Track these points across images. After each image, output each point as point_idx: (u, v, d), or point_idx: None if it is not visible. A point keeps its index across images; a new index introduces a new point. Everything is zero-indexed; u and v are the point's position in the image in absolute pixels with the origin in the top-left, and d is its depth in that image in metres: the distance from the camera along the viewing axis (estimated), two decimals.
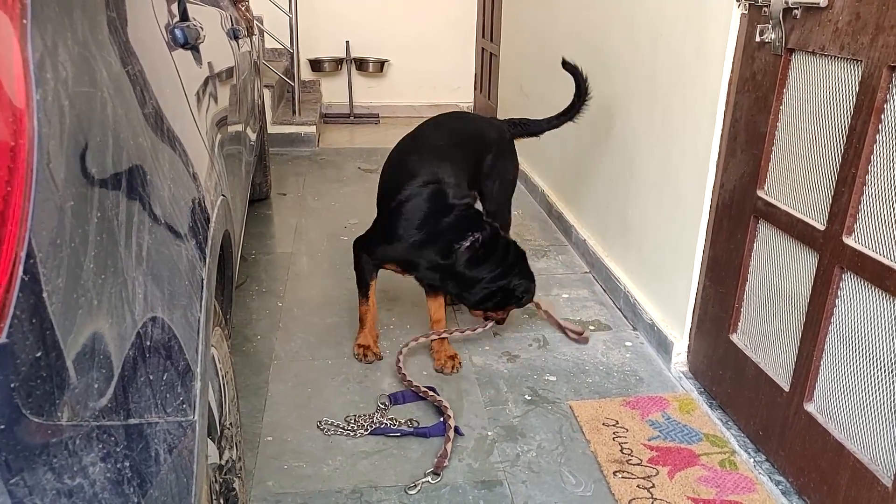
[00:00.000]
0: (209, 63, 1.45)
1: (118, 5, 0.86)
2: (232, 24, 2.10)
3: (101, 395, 0.64)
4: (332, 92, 6.18)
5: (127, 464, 0.67)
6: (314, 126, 4.93)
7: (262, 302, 2.64)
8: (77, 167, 0.64)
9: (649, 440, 1.88)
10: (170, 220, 0.84)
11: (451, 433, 1.86)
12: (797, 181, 1.66)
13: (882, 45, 1.38)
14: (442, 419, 1.92)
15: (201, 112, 1.14)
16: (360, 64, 6.06)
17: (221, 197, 1.18)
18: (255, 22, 3.06)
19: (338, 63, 6.01)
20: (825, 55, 1.55)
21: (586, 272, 2.99)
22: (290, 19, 4.74)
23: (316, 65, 5.96)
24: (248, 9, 2.88)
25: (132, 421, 0.69)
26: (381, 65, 6.08)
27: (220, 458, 1.28)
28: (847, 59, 1.49)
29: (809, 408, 1.62)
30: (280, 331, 2.44)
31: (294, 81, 4.94)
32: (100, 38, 0.77)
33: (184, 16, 1.22)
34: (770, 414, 1.75)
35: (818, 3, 1.52)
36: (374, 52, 6.10)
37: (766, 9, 1.71)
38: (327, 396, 2.07)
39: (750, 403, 1.84)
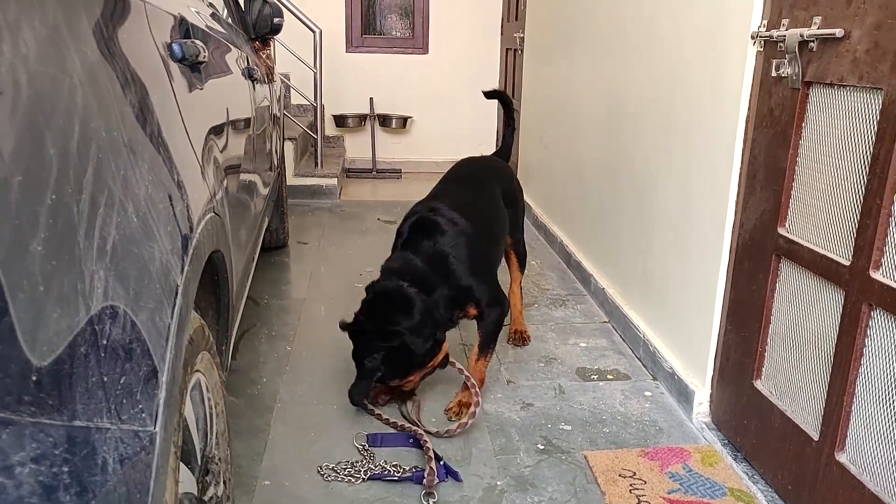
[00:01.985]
0: (215, 88, 1.44)
1: (105, 6, 0.85)
2: (248, 64, 2.12)
3: (40, 388, 0.59)
4: (356, 147, 6.26)
5: (65, 469, 0.61)
6: (336, 178, 4.97)
7: (270, 346, 2.58)
8: (29, 142, 0.61)
9: (669, 493, 1.76)
10: (143, 220, 0.80)
11: (431, 454, 1.83)
12: (819, 216, 1.59)
13: None
14: (442, 463, 1.84)
15: (194, 125, 1.12)
16: (384, 120, 6.14)
17: (212, 214, 1.14)
18: (275, 71, 3.10)
19: (362, 119, 6.10)
20: (844, 86, 1.50)
21: (605, 321, 2.90)
22: (315, 75, 4.83)
23: (340, 120, 6.06)
24: (268, 56, 2.93)
25: (77, 423, 0.63)
26: (404, 121, 6.16)
27: (203, 492, 1.21)
28: (867, 89, 1.44)
29: (841, 458, 1.50)
30: (287, 374, 2.37)
31: (317, 134, 5.00)
32: (77, 27, 0.75)
33: (185, 35, 1.22)
34: (799, 466, 1.63)
35: (834, 34, 1.48)
36: (398, 108, 6.19)
37: (781, 44, 1.68)
38: (330, 441, 1.98)
39: (777, 454, 1.72)
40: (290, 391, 2.26)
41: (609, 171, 3.00)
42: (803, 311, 1.65)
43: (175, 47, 1.08)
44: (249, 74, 2.07)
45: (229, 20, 2.64)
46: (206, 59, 1.26)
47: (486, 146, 6.37)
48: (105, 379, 0.68)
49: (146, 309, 0.77)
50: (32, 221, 0.60)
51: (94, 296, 0.68)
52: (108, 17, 0.86)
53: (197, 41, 1.22)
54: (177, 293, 0.86)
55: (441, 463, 1.85)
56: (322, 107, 5.08)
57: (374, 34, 6.19)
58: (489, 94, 2.90)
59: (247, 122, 1.96)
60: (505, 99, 2.94)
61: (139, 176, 0.82)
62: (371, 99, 6.09)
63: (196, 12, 1.53)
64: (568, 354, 2.58)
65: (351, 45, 6.10)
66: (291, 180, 4.84)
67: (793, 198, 1.69)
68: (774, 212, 1.74)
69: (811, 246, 1.60)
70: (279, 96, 3.39)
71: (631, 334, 2.63)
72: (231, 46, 1.93)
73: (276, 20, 2.70)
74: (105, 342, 0.69)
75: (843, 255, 1.50)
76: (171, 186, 0.91)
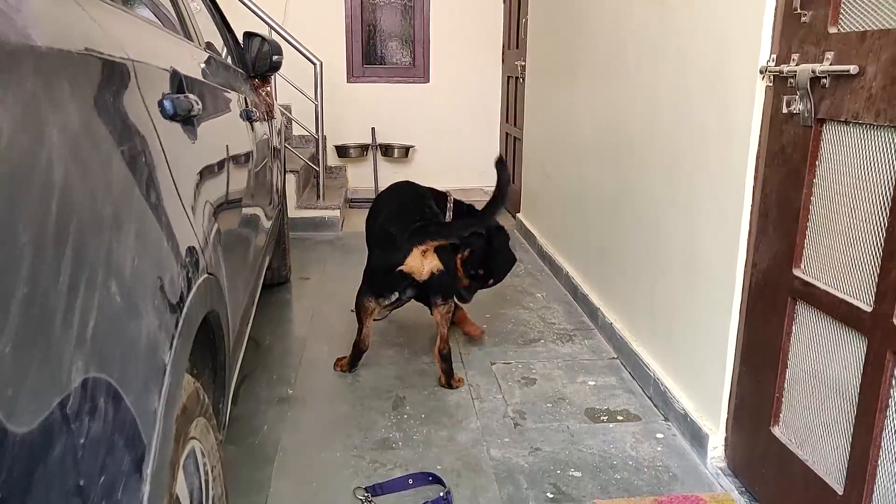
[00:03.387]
0: (210, 140, 1.40)
1: (90, 70, 0.81)
2: (246, 106, 2.09)
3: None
4: (358, 177, 6.23)
5: None
6: (338, 210, 4.93)
7: (271, 391, 2.52)
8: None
9: None
10: (128, 297, 0.75)
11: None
12: (837, 258, 1.53)
13: None
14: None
15: (187, 183, 1.08)
16: (386, 150, 6.13)
17: (206, 276, 1.09)
18: (276, 107, 3.08)
19: (363, 149, 6.09)
20: (860, 124, 1.46)
21: (614, 358, 2.83)
22: (316, 107, 4.82)
23: (342, 151, 6.05)
24: (268, 94, 2.91)
25: None
26: (406, 150, 6.14)
27: None
28: (885, 127, 1.39)
29: None
30: (288, 421, 2.31)
31: (319, 167, 4.97)
32: (58, 95, 0.71)
33: (179, 89, 1.18)
34: None
35: (848, 71, 1.44)
36: (400, 138, 6.18)
37: (791, 80, 1.64)
38: (333, 495, 1.91)
39: None
40: (291, 439, 2.19)
41: (612, 203, 2.95)
42: (822, 356, 1.59)
43: (167, 104, 1.04)
44: (247, 116, 2.03)
45: (228, 60, 2.61)
46: (199, 112, 1.22)
47: (489, 175, 6.31)
48: (82, 482, 0.62)
49: (130, 395, 0.72)
50: (1, 318, 0.55)
51: (72, 391, 0.62)
52: (94, 82, 0.82)
53: (190, 95, 1.18)
54: (165, 372, 0.80)
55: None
56: (324, 138, 5.06)
57: (376, 64, 6.19)
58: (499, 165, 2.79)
59: (245, 165, 1.92)
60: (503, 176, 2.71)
61: (125, 250, 0.77)
62: (373, 129, 6.08)
63: (192, 59, 1.49)
64: (576, 394, 2.51)
65: (352, 75, 6.10)
66: (293, 213, 4.80)
67: (808, 238, 1.64)
68: (789, 252, 1.68)
69: (829, 289, 1.54)
70: (280, 130, 3.36)
71: (640, 372, 2.57)
72: (228, 90, 1.89)
73: (275, 58, 2.67)
74: (82, 440, 0.63)
75: (864, 301, 1.44)
76: (160, 257, 0.86)
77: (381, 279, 2.47)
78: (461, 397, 2.48)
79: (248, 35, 2.71)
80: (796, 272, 1.66)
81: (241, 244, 1.79)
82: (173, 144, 1.05)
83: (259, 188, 2.32)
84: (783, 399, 1.75)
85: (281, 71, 5.01)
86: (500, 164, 2.71)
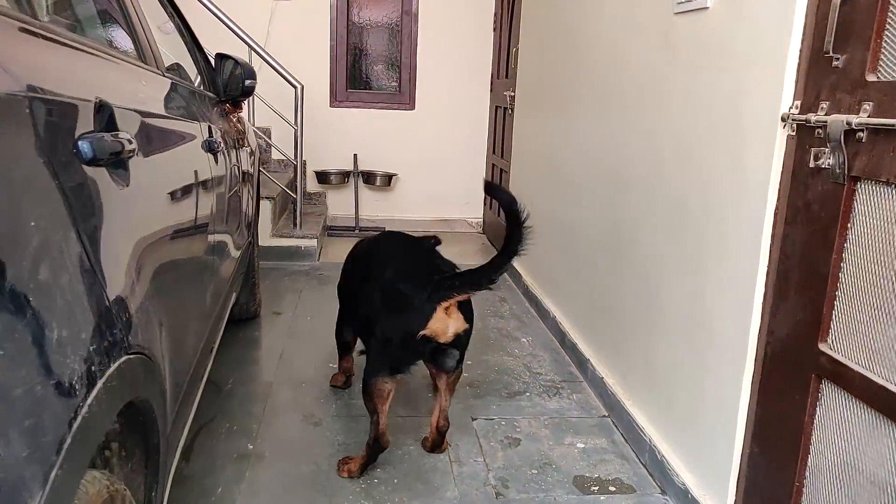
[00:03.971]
0: (153, 181, 1.18)
1: None
2: (210, 136, 1.88)
3: None
4: (339, 204, 6.02)
5: None
6: (315, 239, 4.71)
7: (229, 445, 2.28)
8: None
9: None
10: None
11: None
12: (875, 337, 1.35)
13: None
14: None
15: (112, 238, 0.86)
16: (368, 177, 5.93)
17: (128, 357, 0.87)
18: (250, 133, 2.87)
19: (345, 176, 5.88)
20: None
21: (605, 416, 2.62)
22: (295, 132, 4.61)
23: (322, 177, 5.84)
24: (239, 120, 2.70)
25: None
26: (388, 178, 5.95)
27: None
28: None
29: None
30: (245, 482, 2.06)
31: (296, 194, 4.76)
32: None
33: (109, 123, 0.97)
34: None
35: (892, 125, 1.26)
36: (383, 165, 5.99)
37: (819, 130, 1.46)
38: None
39: None
40: None
41: (606, 249, 2.76)
42: (855, 447, 1.39)
43: (83, 147, 0.83)
44: (209, 147, 1.82)
45: (198, 83, 2.41)
46: (133, 152, 1.00)
47: (474, 206, 6.16)
48: None
49: None
50: None
51: None
52: None
53: (122, 133, 0.96)
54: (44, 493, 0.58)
55: None
56: (303, 164, 4.85)
57: (360, 88, 6.02)
58: (488, 190, 2.53)
59: (204, 201, 1.71)
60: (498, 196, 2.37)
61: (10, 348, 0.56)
62: (355, 155, 5.88)
63: (142, 87, 1.28)
64: (564, 458, 2.30)
65: (335, 100, 5.91)
66: (268, 241, 4.57)
67: (836, 309, 1.45)
68: (814, 323, 1.49)
69: (864, 372, 1.35)
70: (253, 156, 3.14)
71: (634, 435, 2.36)
72: (189, 119, 1.68)
73: (247, 82, 2.47)
74: None
75: None
76: (56, 348, 0.65)
77: (400, 350, 1.99)
78: (438, 460, 2.25)
79: (221, 57, 2.51)
80: (822, 347, 1.47)
81: (194, 293, 1.56)
82: (89, 193, 0.83)
83: (223, 222, 2.10)
84: (804, 490, 1.55)
85: (261, 94, 4.85)
86: (498, 191, 2.26)
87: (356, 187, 5.89)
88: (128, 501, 0.97)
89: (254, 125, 4.81)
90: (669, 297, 2.17)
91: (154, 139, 1.22)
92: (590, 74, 3.02)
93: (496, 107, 5.65)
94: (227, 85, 2.50)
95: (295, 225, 4.82)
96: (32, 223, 0.65)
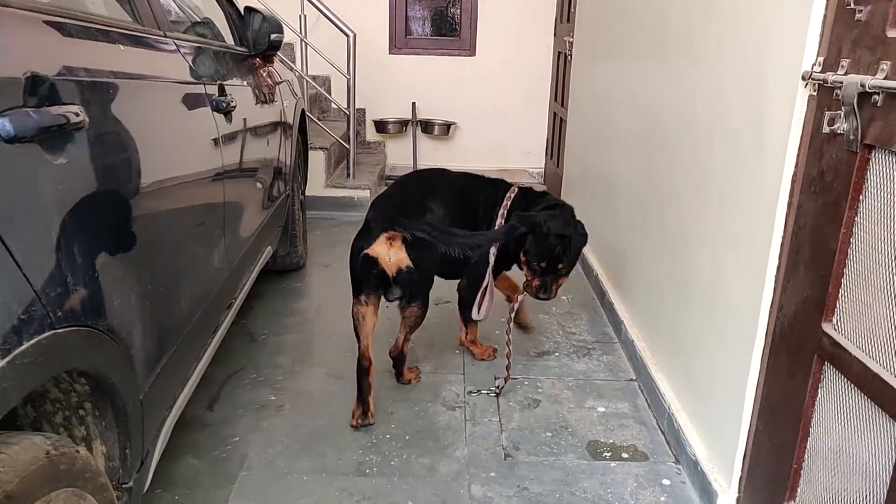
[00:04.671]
0: (112, 144, 1.19)
1: None
2: (219, 95, 1.89)
3: None
4: (398, 153, 6.02)
5: None
6: (368, 190, 4.74)
7: (253, 394, 2.36)
8: None
9: None
10: None
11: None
12: (877, 320, 1.24)
13: None
14: None
15: (48, 223, 0.88)
16: (426, 126, 5.89)
17: (53, 332, 0.90)
18: (281, 86, 2.87)
19: (403, 125, 5.86)
20: None
21: (632, 379, 2.57)
22: (348, 81, 4.61)
23: (381, 126, 5.84)
24: (269, 74, 2.70)
25: None
26: (447, 127, 5.89)
27: None
28: None
29: None
30: (261, 432, 2.15)
31: (349, 144, 4.78)
32: None
33: (52, 96, 0.98)
34: None
35: None
36: (442, 113, 5.92)
37: (837, 91, 1.33)
38: None
39: None
40: (259, 454, 2.03)
41: (641, 204, 2.65)
42: (850, 433, 1.31)
43: (3, 123, 0.84)
44: (217, 106, 1.83)
45: (230, 39, 2.43)
46: (82, 123, 1.02)
47: (535, 156, 6.03)
48: None
49: None
50: None
51: None
52: None
53: (67, 107, 0.97)
54: None
55: None
56: (356, 114, 4.85)
57: (419, 35, 5.92)
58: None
59: (206, 164, 1.73)
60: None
61: None
62: (413, 104, 5.84)
63: (108, 52, 1.29)
64: (581, 422, 2.27)
65: (394, 47, 5.85)
66: (322, 192, 4.64)
67: (843, 288, 1.34)
68: (819, 302, 1.39)
69: (862, 357, 1.26)
70: (296, 108, 3.15)
71: (656, 401, 2.30)
72: (184, 80, 1.69)
73: (273, 36, 2.46)
74: None
75: None
76: None
77: (358, 270, 2.19)
78: (453, 417, 2.27)
79: (249, 10, 2.50)
80: (825, 327, 1.37)
81: (188, 257, 1.60)
82: (8, 172, 0.85)
83: (239, 179, 2.14)
84: (802, 472, 1.47)
85: (318, 41, 4.86)
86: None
87: (414, 136, 5.87)
88: (81, 463, 1.02)
89: (307, 74, 4.83)
90: (693, 262, 2.07)
91: (123, 105, 1.23)
92: (637, 23, 2.85)
93: (558, 53, 5.45)
94: (255, 39, 2.50)
95: (349, 175, 4.86)
96: None
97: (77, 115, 1.01)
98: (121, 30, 1.39)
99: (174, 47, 1.71)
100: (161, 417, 1.46)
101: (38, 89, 0.94)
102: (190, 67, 1.77)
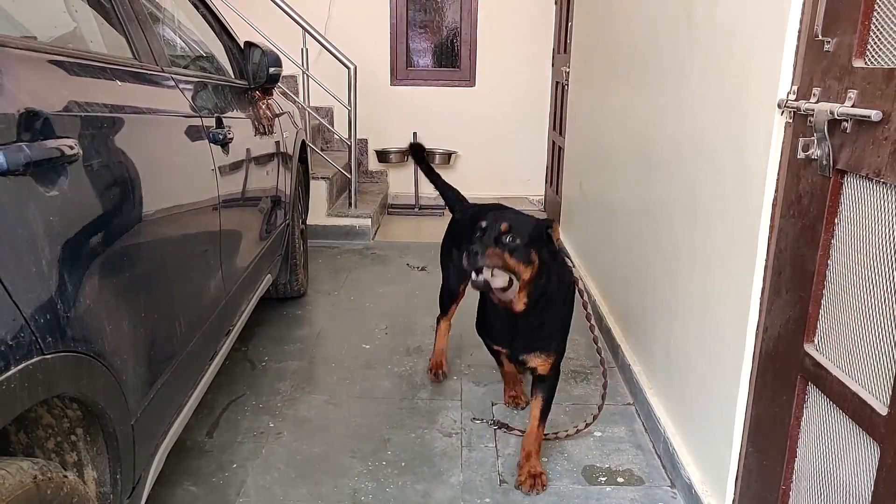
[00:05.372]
0: (104, 178, 1.24)
1: None
2: (216, 127, 1.94)
3: None
4: (399, 182, 6.09)
5: None
6: (369, 219, 4.79)
7: (253, 421, 2.39)
8: None
9: None
10: None
11: None
12: (853, 340, 1.26)
13: None
14: None
15: (39, 251, 0.92)
16: (428, 155, 5.95)
17: (41, 358, 0.94)
18: (281, 118, 2.94)
19: (404, 154, 5.93)
20: (883, 182, 1.18)
21: (629, 404, 2.58)
22: (349, 112, 4.69)
23: (383, 155, 5.91)
24: (268, 106, 2.77)
25: None
26: (448, 156, 5.96)
27: None
28: None
29: None
30: (260, 459, 2.17)
31: (351, 174, 4.85)
32: None
33: (44, 130, 1.03)
34: None
35: (870, 117, 1.17)
36: (443, 142, 5.99)
37: (810, 118, 1.37)
38: None
39: None
40: (257, 481, 2.05)
41: (637, 230, 2.69)
42: (833, 454, 1.32)
43: None
44: (214, 138, 1.89)
45: (229, 71, 2.49)
46: (74, 155, 1.06)
47: (535, 183, 6.09)
48: None
49: None
50: None
51: None
52: None
53: (62, 140, 1.02)
54: None
55: None
56: (358, 144, 4.93)
57: (420, 67, 6.03)
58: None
59: (199, 193, 1.78)
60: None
61: None
62: (414, 133, 5.92)
63: (104, 87, 1.34)
64: (578, 446, 2.28)
65: (395, 78, 5.95)
66: (324, 220, 4.69)
67: (823, 309, 1.37)
68: (801, 322, 1.41)
69: (841, 376, 1.28)
70: (296, 139, 3.22)
71: (652, 424, 2.31)
72: (184, 116, 1.75)
73: (271, 69, 2.53)
74: None
75: (880, 399, 1.18)
76: None
77: None
78: (449, 443, 2.28)
79: (248, 45, 2.58)
80: (808, 348, 1.39)
81: (179, 285, 1.64)
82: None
83: (236, 209, 2.18)
84: (791, 493, 1.48)
85: (321, 73, 4.95)
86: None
87: (416, 165, 5.93)
88: (67, 488, 1.04)
89: (309, 106, 4.91)
90: (684, 284, 2.10)
91: (118, 137, 1.28)
92: (629, 51, 2.91)
93: (556, 83, 5.53)
94: (254, 73, 2.57)
95: (350, 204, 4.92)
96: None
97: (71, 147, 1.05)
98: (119, 66, 1.45)
99: (172, 82, 1.77)
100: (154, 443, 1.49)
101: (33, 124, 0.99)
102: (187, 101, 1.82)
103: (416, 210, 5.83)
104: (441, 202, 5.90)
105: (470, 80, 5.98)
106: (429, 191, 6.10)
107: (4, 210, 0.90)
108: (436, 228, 5.31)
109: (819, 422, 1.38)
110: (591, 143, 3.77)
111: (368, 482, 2.06)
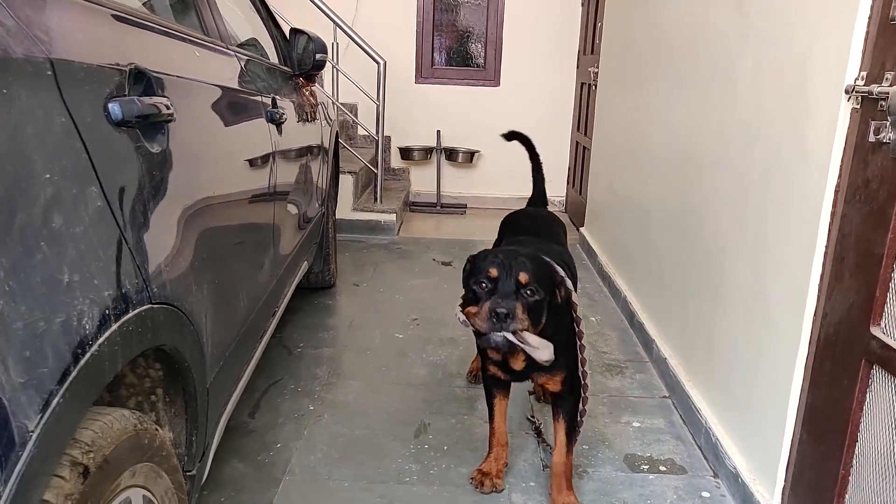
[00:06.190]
0: (193, 142, 1.26)
1: None
2: (274, 107, 1.96)
3: None
4: (422, 180, 6.11)
5: None
6: (394, 214, 4.81)
7: (293, 404, 2.40)
8: None
9: None
10: None
11: None
12: None
13: None
14: None
15: (146, 203, 0.94)
16: (450, 154, 5.98)
17: (150, 306, 0.95)
18: (328, 106, 2.96)
19: (427, 152, 5.95)
20: None
21: (665, 396, 2.58)
22: (377, 107, 4.71)
23: (406, 153, 5.93)
24: (312, 94, 2.79)
25: None
26: (471, 155, 5.98)
27: None
28: None
29: None
30: (303, 440, 2.18)
31: (377, 169, 4.87)
32: None
33: (147, 88, 1.05)
34: None
35: None
36: (466, 141, 6.01)
37: (882, 102, 1.38)
38: None
39: None
40: (301, 461, 2.06)
41: (676, 226, 2.69)
42: None
43: (114, 108, 0.91)
44: (271, 117, 1.91)
45: (274, 57, 2.51)
46: (171, 115, 1.08)
47: (557, 184, 6.09)
48: None
49: None
50: None
51: None
52: None
53: (158, 98, 1.04)
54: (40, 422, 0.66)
55: None
56: (385, 140, 4.95)
57: (445, 65, 6.05)
58: (508, 136, 3.06)
59: (260, 171, 1.80)
60: (526, 142, 3.09)
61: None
62: (438, 132, 5.94)
63: (194, 60, 1.37)
64: (618, 436, 2.28)
65: (420, 76, 5.98)
66: (350, 215, 4.71)
67: (891, 291, 1.38)
68: (867, 307, 1.42)
69: None
70: (331, 132, 3.24)
71: (692, 417, 2.31)
72: (247, 90, 1.77)
73: (318, 56, 2.55)
74: None
75: None
76: (51, 292, 0.72)
77: None
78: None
79: (295, 32, 2.60)
80: (874, 331, 1.40)
81: (245, 259, 1.66)
82: (116, 154, 0.91)
83: (286, 192, 2.20)
84: (850, 477, 1.48)
85: (346, 69, 4.98)
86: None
87: (438, 164, 5.96)
88: (159, 441, 1.06)
89: (338, 100, 4.94)
90: (730, 276, 2.10)
91: (201, 105, 1.30)
92: (669, 50, 2.93)
93: (581, 83, 5.55)
94: (300, 59, 2.59)
95: (376, 199, 4.94)
96: (47, 175, 0.73)
97: (168, 107, 1.07)
98: (193, 37, 1.47)
99: (237, 59, 1.79)
100: (219, 412, 1.50)
101: (140, 81, 1.01)
102: (249, 78, 1.84)
103: (438, 208, 5.85)
104: (462, 201, 5.97)
105: (494, 80, 6.00)
106: (451, 189, 6.15)
107: (122, 161, 0.92)
108: (458, 226, 5.35)
109: (885, 406, 1.38)
110: (622, 143, 3.78)
111: (412, 463, 2.07)
